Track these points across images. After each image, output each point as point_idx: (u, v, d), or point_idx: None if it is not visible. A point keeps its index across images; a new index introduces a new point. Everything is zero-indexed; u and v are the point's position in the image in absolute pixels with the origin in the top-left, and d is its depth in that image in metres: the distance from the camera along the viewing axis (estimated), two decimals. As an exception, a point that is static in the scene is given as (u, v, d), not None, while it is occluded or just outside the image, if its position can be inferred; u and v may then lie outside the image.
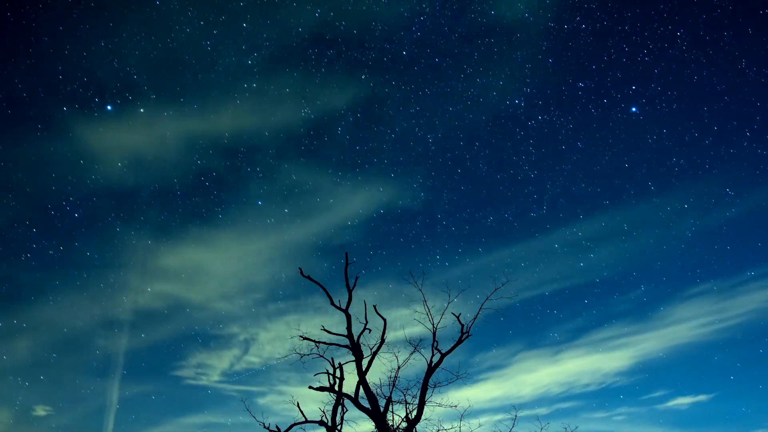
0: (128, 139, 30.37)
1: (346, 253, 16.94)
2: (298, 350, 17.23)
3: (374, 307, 17.07)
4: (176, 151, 31.60)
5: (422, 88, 32.55)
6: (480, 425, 16.24)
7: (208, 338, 34.57)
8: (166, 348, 34.32)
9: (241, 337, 34.95)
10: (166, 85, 30.53)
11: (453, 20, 30.99)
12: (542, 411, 34.89)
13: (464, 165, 34.22)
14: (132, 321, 32.42)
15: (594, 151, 33.67)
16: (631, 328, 34.85)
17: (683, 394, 34.57)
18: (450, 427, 16.55)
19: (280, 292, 33.64)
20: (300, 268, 16.84)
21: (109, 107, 29.36)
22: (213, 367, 34.52)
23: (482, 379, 35.16)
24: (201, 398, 34.38)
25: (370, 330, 17.08)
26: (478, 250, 34.34)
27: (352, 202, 33.49)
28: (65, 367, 32.50)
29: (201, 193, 32.96)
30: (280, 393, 32.14)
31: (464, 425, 16.43)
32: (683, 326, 34.15)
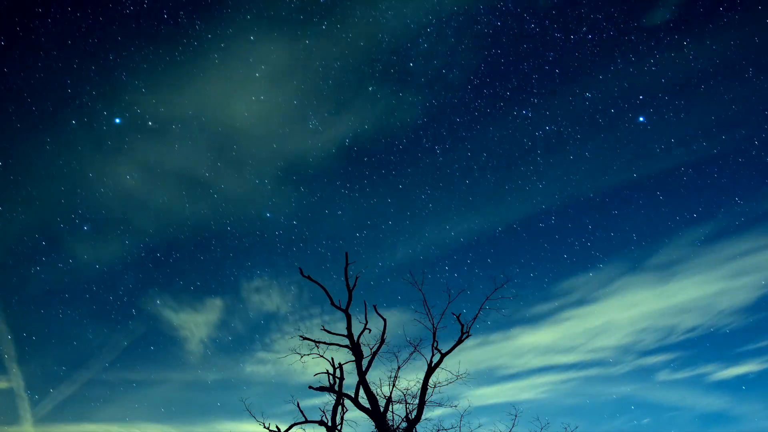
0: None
1: (346, 253, 17.04)
2: (297, 350, 17.29)
3: (374, 307, 17.13)
4: None
5: (429, 99, 32.92)
6: (480, 425, 16.07)
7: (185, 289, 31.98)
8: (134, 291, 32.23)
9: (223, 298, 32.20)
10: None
11: (459, 31, 31.45)
12: (619, 369, 27.89)
13: (472, 176, 34.36)
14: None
15: (602, 161, 33.65)
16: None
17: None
18: (451, 426, 16.44)
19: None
20: (300, 268, 16.94)
21: (117, 120, 30.13)
22: (191, 332, 31.37)
23: (562, 320, 26.50)
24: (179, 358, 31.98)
25: (370, 330, 17.12)
26: (487, 261, 34.25)
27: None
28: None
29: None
30: (264, 362, 29.34)
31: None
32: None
